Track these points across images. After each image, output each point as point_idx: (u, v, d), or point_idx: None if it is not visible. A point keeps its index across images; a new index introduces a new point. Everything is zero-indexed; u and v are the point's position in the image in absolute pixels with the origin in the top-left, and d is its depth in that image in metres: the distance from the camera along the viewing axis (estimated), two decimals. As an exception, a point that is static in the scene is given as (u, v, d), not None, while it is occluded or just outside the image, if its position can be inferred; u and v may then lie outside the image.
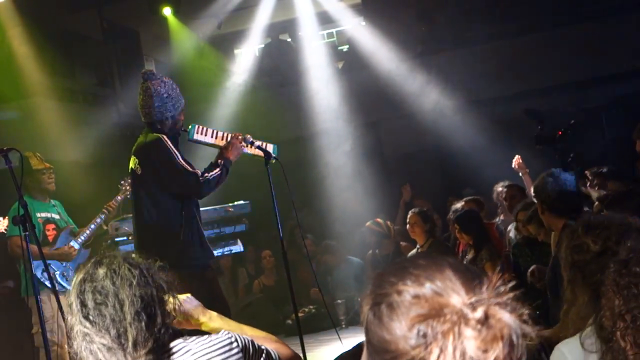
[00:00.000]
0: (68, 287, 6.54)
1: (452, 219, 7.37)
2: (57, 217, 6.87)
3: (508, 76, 11.47)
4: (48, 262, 6.21)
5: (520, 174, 8.00)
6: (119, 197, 7.04)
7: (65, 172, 8.13)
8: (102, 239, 7.89)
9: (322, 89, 12.08)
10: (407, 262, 1.29)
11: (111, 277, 2.40)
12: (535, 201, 4.89)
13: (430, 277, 1.21)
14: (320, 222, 11.57)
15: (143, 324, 2.36)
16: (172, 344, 2.46)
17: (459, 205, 7.86)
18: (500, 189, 8.21)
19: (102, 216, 6.93)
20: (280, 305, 9.99)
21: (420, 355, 1.16)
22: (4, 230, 7.15)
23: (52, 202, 6.94)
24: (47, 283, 6.11)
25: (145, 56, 13.02)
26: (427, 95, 11.71)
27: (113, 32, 12.23)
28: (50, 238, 6.69)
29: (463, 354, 1.13)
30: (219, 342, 2.49)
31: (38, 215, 6.61)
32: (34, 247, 5.18)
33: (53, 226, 6.79)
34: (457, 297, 1.18)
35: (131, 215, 6.03)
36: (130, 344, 2.35)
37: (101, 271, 2.42)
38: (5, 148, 4.96)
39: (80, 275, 2.46)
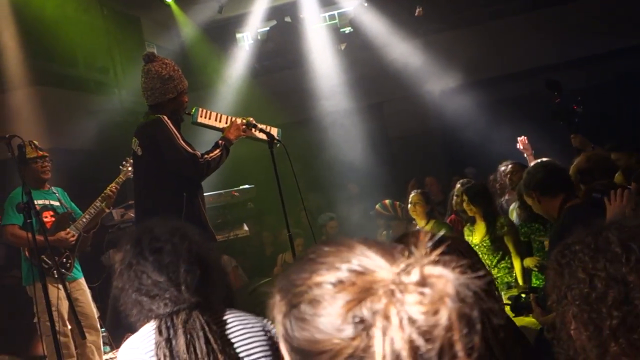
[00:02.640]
0: (67, 274, 6.54)
1: (462, 190, 7.29)
2: (56, 203, 6.82)
3: (510, 54, 11.40)
4: (46, 249, 6.22)
5: (525, 155, 7.95)
6: (120, 179, 6.97)
7: (68, 159, 8.10)
8: (107, 226, 7.89)
9: (325, 71, 12.03)
10: (310, 254, 1.15)
11: (171, 231, 2.65)
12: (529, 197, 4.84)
13: (344, 259, 1.09)
14: (326, 204, 11.55)
15: (196, 277, 2.58)
16: (224, 313, 2.66)
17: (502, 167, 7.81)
18: (503, 167, 8.16)
19: (102, 201, 6.84)
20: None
21: (362, 345, 1.03)
22: None
23: (53, 189, 6.90)
24: (49, 272, 6.12)
25: (147, 42, 12.97)
26: (429, 75, 11.66)
27: (114, 19, 12.18)
28: (48, 225, 6.64)
29: (411, 323, 1.00)
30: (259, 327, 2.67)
31: (35, 202, 6.53)
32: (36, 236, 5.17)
33: (51, 213, 6.73)
34: (383, 270, 1.06)
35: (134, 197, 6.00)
36: (183, 289, 2.54)
37: (160, 226, 2.69)
38: (7, 135, 4.93)
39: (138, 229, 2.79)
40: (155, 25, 13.24)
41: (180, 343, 2.49)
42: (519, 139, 8.03)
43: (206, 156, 5.46)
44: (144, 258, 2.59)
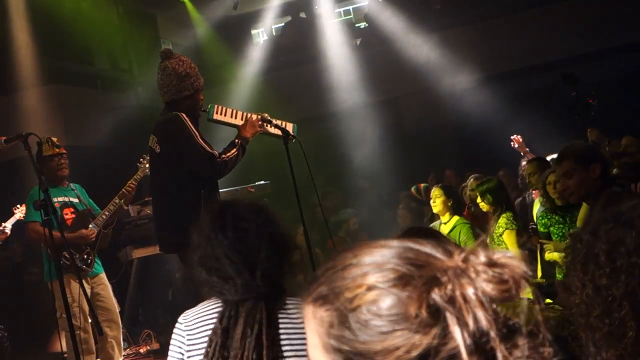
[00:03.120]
0: (89, 271, 6.59)
1: (475, 188, 7.26)
2: (75, 200, 6.85)
3: (526, 48, 11.35)
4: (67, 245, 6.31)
5: (522, 153, 7.92)
6: (138, 176, 7.00)
7: (85, 156, 8.15)
8: (123, 223, 7.93)
9: (340, 66, 12.03)
10: (345, 259, 1.09)
11: (257, 213, 2.60)
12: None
13: (394, 256, 1.05)
14: (342, 200, 11.55)
15: (273, 265, 2.51)
16: (289, 303, 2.58)
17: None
18: (524, 163, 8.12)
19: (121, 198, 6.88)
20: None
21: (438, 333, 0.99)
22: (22, 217, 7.19)
23: (72, 185, 6.93)
24: (70, 268, 6.15)
25: (163, 39, 13.02)
26: (445, 70, 11.63)
27: (129, 17, 12.23)
28: (68, 222, 6.69)
29: (490, 301, 0.99)
30: None
31: (55, 200, 6.59)
32: (55, 232, 5.20)
33: (71, 210, 6.78)
34: (443, 259, 1.03)
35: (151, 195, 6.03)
36: (258, 275, 2.48)
37: (246, 204, 2.65)
38: (24, 133, 4.95)
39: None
40: (171, 23, 13.28)
41: (237, 332, 2.44)
42: (512, 137, 7.98)
43: (223, 156, 5.46)
44: (225, 234, 2.52)
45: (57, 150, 6.69)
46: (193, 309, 2.64)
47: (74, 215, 6.74)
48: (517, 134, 8.21)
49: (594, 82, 9.93)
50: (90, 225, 6.74)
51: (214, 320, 2.52)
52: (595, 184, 4.38)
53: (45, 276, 6.55)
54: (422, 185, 9.71)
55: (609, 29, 10.93)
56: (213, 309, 2.56)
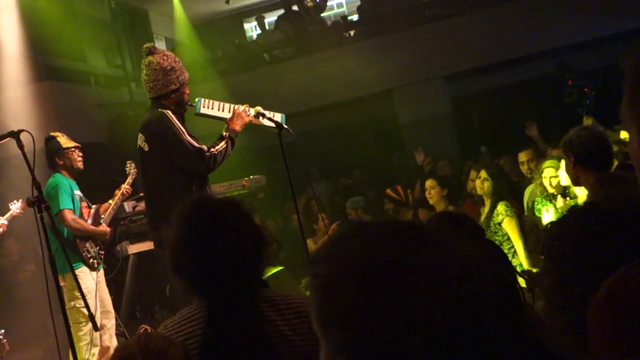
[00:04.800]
0: (101, 264, 6.79)
1: (482, 168, 7.24)
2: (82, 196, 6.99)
3: (520, 37, 11.33)
4: (89, 238, 6.68)
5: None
6: (130, 180, 7.12)
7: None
8: (118, 218, 7.96)
9: (334, 59, 12.00)
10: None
11: (229, 207, 2.57)
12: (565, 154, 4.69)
13: None
14: (337, 192, 11.55)
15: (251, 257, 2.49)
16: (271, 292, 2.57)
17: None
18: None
19: (121, 201, 7.11)
20: (300, 276, 10.00)
21: None
22: (19, 213, 7.19)
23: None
24: (89, 260, 6.54)
25: (155, 34, 12.99)
26: (439, 60, 11.62)
27: (122, 12, 12.20)
28: (86, 216, 6.79)
29: None
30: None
31: (75, 192, 6.70)
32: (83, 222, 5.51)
33: (85, 204, 6.88)
34: None
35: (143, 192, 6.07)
36: (237, 271, 2.46)
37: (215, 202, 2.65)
38: (16, 130, 4.92)
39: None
40: (164, 18, 13.25)
41: (226, 331, 2.43)
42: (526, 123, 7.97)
43: (212, 149, 5.47)
44: (199, 234, 2.48)
45: (75, 143, 6.82)
46: (173, 317, 2.62)
47: (88, 210, 6.83)
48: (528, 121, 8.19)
49: (590, 70, 9.94)
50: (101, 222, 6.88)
51: (195, 328, 2.48)
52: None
53: (59, 269, 6.52)
54: (399, 186, 9.67)
55: (605, 16, 10.91)
56: (193, 315, 2.53)
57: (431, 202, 7.58)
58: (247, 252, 2.47)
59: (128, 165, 7.23)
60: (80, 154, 6.87)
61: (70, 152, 6.78)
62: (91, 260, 6.63)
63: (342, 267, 1.18)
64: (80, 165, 6.85)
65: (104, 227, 6.85)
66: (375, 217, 9.90)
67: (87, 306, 4.89)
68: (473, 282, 1.15)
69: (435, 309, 1.10)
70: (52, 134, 6.84)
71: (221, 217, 2.51)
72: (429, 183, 7.62)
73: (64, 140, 6.79)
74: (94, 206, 6.94)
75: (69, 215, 6.52)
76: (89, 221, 6.79)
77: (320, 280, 1.20)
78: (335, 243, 1.24)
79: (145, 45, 5.67)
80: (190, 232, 2.49)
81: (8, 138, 5.01)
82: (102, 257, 6.88)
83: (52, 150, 6.69)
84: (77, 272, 5.95)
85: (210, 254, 2.44)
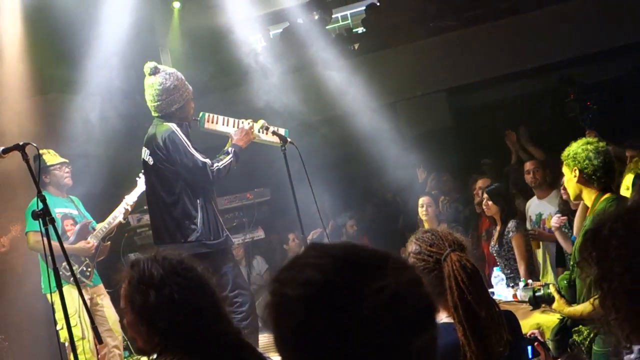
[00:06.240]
0: (87, 282, 6.59)
1: (484, 190, 7.26)
2: (75, 212, 6.90)
3: (524, 51, 11.34)
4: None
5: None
6: (137, 192, 7.04)
7: (83, 165, 8.15)
8: (123, 231, 7.94)
9: (339, 72, 12.00)
10: None
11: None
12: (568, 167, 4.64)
13: None
14: (342, 204, 11.53)
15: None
16: None
17: None
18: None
19: (122, 214, 6.91)
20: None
21: None
22: (18, 234, 7.22)
23: (70, 197, 6.97)
24: (70, 279, 6.14)
25: (160, 47, 13.00)
26: (443, 73, 11.63)
27: (127, 24, 12.19)
28: (69, 233, 6.72)
29: None
30: None
31: (56, 210, 6.62)
32: (54, 243, 5.18)
33: (71, 221, 6.81)
34: None
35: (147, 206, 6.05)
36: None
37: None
38: (21, 143, 4.94)
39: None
40: (168, 30, 13.27)
41: None
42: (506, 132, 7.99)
43: (217, 164, 5.49)
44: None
45: (62, 159, 6.74)
46: None
47: (73, 227, 6.76)
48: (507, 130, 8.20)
49: (593, 83, 9.94)
50: (89, 237, 6.76)
51: None
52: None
53: (44, 288, 6.55)
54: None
55: (607, 31, 10.92)
56: None
57: (424, 219, 7.61)
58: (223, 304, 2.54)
59: (141, 175, 7.12)
60: (68, 170, 6.81)
61: (56, 169, 6.73)
62: (71, 279, 6.45)
63: (291, 287, 1.28)
64: (67, 181, 6.79)
65: (83, 243, 6.72)
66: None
67: (68, 327, 4.80)
68: (403, 310, 1.24)
69: (366, 330, 1.20)
70: (40, 151, 6.76)
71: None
72: (424, 200, 7.66)
73: (50, 157, 6.72)
74: (80, 222, 6.86)
75: (32, 238, 6.45)
76: (72, 238, 6.70)
77: (274, 299, 1.30)
78: (290, 265, 1.35)
79: (147, 65, 5.68)
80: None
81: (14, 151, 5.03)
82: (89, 273, 6.75)
83: (38, 168, 6.67)
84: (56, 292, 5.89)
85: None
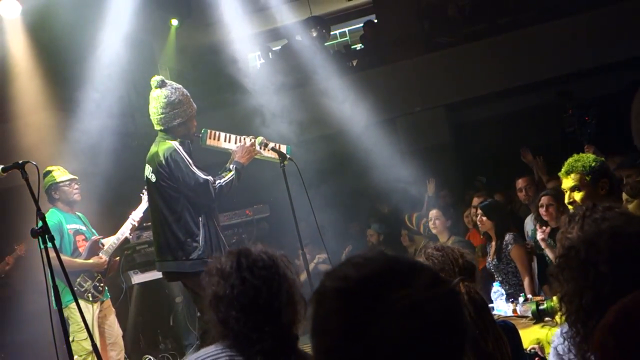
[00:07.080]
0: (101, 297, 6.68)
1: (478, 206, 7.27)
2: (84, 228, 6.96)
3: (519, 68, 11.39)
4: (80, 272, 6.59)
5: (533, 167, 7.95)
6: (142, 207, 7.08)
7: (83, 183, 8.18)
8: (123, 248, 7.96)
9: (337, 88, 12.04)
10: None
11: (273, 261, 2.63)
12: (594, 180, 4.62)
13: None
14: (341, 221, 11.53)
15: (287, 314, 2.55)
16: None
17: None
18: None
19: (129, 229, 7.02)
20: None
21: None
22: (21, 254, 7.28)
23: (78, 214, 7.03)
24: (84, 294, 6.50)
25: (160, 65, 13.05)
26: (440, 89, 11.67)
27: (126, 43, 12.25)
28: (81, 249, 6.79)
29: None
30: None
31: (68, 227, 6.72)
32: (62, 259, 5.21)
33: (82, 237, 6.88)
34: None
35: (150, 223, 6.06)
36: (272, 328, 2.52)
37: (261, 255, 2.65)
38: (21, 161, 4.96)
39: None
40: (168, 49, 13.32)
41: None
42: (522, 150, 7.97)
43: (219, 181, 5.51)
44: (243, 284, 2.55)
45: (71, 176, 6.82)
46: (195, 354, 2.66)
47: (85, 243, 6.83)
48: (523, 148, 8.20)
49: (591, 98, 9.96)
50: (100, 253, 6.84)
51: None
52: (602, 200, 4.26)
53: (56, 303, 6.54)
54: (415, 214, 9.69)
55: (605, 45, 10.96)
56: (217, 356, 2.56)
57: (434, 232, 7.63)
58: (285, 308, 2.53)
59: (144, 191, 7.17)
60: (77, 187, 6.88)
61: (65, 186, 6.79)
62: (86, 294, 6.60)
63: (331, 279, 1.41)
64: (76, 197, 6.86)
65: (96, 259, 6.79)
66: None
67: (68, 343, 4.89)
68: (420, 321, 1.31)
69: (387, 331, 1.29)
70: (48, 168, 6.87)
71: (266, 269, 2.59)
72: (433, 214, 7.68)
73: (59, 174, 6.80)
74: (92, 238, 6.92)
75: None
76: (84, 254, 6.77)
77: (317, 289, 1.43)
78: (339, 264, 1.47)
79: (154, 78, 5.71)
80: (242, 285, 2.54)
81: (13, 169, 5.05)
82: (102, 288, 6.84)
83: (47, 185, 6.74)
84: (70, 306, 6.00)
85: (254, 304, 2.51)
